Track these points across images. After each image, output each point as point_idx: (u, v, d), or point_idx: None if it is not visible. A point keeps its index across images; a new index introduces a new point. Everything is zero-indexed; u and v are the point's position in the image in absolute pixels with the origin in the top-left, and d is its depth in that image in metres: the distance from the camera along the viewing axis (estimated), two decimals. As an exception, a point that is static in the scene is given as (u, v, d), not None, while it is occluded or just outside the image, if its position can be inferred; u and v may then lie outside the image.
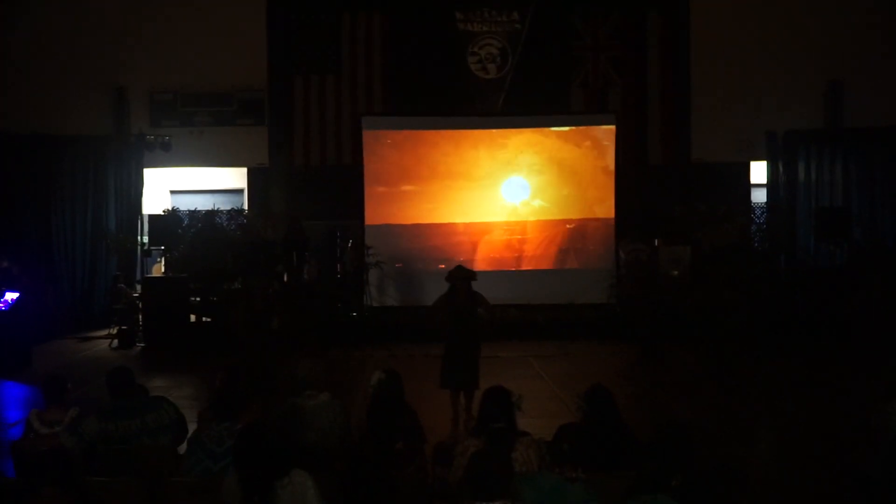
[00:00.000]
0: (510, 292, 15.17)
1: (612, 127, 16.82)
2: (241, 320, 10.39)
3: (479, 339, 9.38)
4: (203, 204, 16.76)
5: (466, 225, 16.73)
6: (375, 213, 16.55)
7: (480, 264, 15.61)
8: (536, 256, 16.81)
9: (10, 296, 12.84)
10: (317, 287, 15.13)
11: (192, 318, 15.15)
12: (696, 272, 14.21)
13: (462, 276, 9.36)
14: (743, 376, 11.37)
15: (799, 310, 16.25)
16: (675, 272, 13.02)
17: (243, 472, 4.27)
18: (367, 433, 4.91)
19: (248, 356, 9.31)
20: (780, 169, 17.68)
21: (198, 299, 15.13)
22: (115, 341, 14.87)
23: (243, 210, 17.18)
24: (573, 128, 16.93)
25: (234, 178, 18.55)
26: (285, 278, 15.26)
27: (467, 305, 9.23)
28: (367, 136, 16.73)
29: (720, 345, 9.52)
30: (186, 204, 16.80)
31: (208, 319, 14.93)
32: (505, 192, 16.75)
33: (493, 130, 16.88)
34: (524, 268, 16.61)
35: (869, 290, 11.82)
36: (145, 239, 16.43)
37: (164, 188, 18.44)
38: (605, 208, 16.73)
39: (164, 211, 16.33)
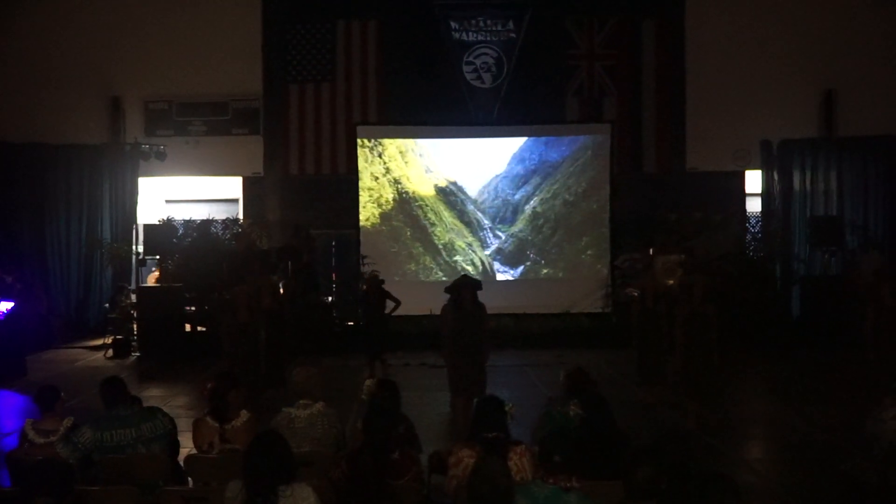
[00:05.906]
0: (505, 301, 15.18)
1: (607, 136, 16.89)
2: (226, 330, 10.32)
3: (484, 348, 9.34)
4: (198, 214, 16.74)
5: (461, 234, 16.76)
6: (370, 222, 16.59)
7: (476, 274, 15.62)
8: (531, 265, 16.81)
9: (5, 305, 12.80)
10: (308, 298, 15.02)
11: (187, 327, 15.16)
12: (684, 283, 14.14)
13: (467, 284, 9.33)
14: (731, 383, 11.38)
15: (794, 317, 16.34)
16: (670, 281, 12.96)
17: (251, 476, 4.27)
18: (363, 443, 4.90)
19: (234, 366, 9.27)
20: (775, 178, 17.75)
21: (192, 309, 15.12)
22: (110, 351, 14.86)
23: (238, 220, 17.15)
24: (568, 136, 17.00)
25: (230, 187, 18.54)
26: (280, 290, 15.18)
27: (472, 314, 9.20)
28: (362, 145, 16.76)
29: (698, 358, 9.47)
30: (182, 214, 16.77)
31: (203, 329, 14.91)
32: (500, 200, 16.77)
33: (489, 139, 16.92)
34: (519, 277, 16.61)
35: (880, 300, 11.75)
36: (140, 248, 16.39)
37: (160, 198, 18.40)
38: (600, 217, 16.78)
39: (159, 220, 16.29)
